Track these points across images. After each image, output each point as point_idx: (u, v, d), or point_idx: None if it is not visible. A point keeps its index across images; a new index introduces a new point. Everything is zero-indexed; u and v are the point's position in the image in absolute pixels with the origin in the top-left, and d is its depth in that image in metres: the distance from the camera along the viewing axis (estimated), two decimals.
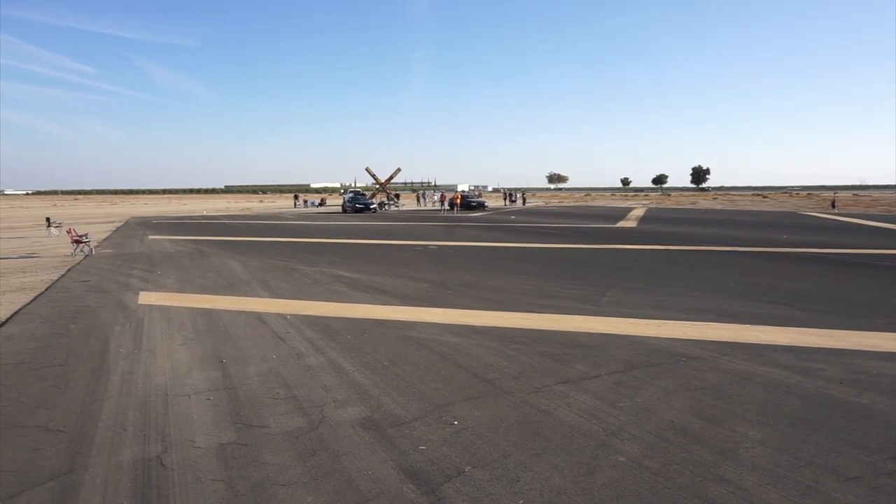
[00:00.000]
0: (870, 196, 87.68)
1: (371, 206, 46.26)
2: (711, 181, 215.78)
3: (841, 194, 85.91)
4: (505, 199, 68.80)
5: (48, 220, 25.84)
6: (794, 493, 3.53)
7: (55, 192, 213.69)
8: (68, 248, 17.12)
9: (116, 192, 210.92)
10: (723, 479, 3.69)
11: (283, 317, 8.42)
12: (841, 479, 3.67)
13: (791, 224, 29.60)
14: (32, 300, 9.85)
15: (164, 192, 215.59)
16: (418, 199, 66.01)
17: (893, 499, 3.44)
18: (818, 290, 10.36)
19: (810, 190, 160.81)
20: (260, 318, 8.39)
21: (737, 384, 5.44)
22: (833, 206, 48.58)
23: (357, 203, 45.71)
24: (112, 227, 28.84)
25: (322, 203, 62.76)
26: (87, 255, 16.15)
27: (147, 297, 10.03)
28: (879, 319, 8.05)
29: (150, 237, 22.43)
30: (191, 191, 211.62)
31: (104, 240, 21.29)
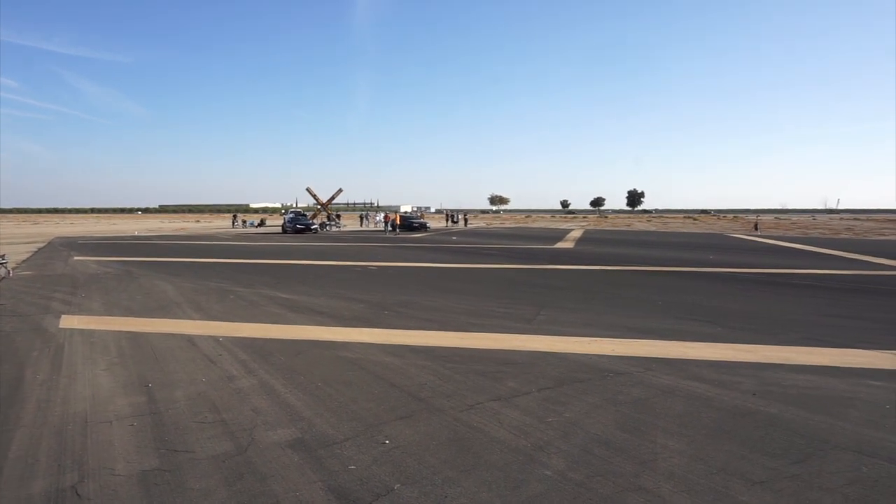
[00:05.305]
0: (789, 219, 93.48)
1: (312, 227, 45.76)
2: (646, 204, 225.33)
3: (763, 217, 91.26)
4: (447, 220, 69.40)
5: None
6: (705, 498, 3.72)
7: None
8: None
9: (40, 212, 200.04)
10: (641, 488, 3.86)
11: (215, 339, 8.20)
12: (748, 484, 3.90)
13: (717, 245, 31.15)
14: None
15: (93, 211, 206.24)
16: (361, 220, 65.66)
17: (794, 500, 3.69)
18: (740, 308, 10.95)
19: (736, 213, 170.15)
20: (191, 340, 8.15)
21: (660, 398, 5.68)
22: (756, 229, 51.52)
23: (297, 223, 45.12)
24: (33, 247, 27.30)
25: (261, 223, 61.46)
26: (3, 278, 15.24)
27: (69, 321, 9.56)
28: (793, 334, 8.59)
29: (75, 258, 21.37)
30: (122, 210, 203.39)
31: (24, 261, 20.12)
